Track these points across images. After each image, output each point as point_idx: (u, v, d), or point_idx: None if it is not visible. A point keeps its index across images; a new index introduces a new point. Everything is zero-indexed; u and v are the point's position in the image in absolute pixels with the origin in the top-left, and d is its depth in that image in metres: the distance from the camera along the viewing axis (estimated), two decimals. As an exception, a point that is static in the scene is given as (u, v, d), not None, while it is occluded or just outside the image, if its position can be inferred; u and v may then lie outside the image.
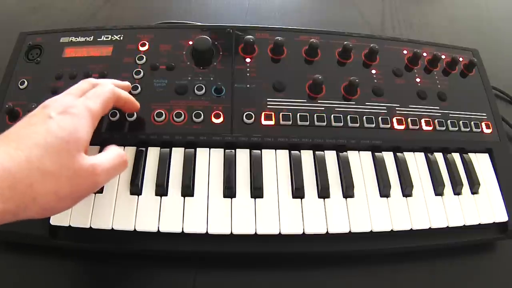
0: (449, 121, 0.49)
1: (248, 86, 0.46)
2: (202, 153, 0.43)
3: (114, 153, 0.35)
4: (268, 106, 0.45)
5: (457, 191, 0.46)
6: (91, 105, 0.34)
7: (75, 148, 0.31)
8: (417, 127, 0.47)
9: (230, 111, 0.44)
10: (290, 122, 0.45)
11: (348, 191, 0.42)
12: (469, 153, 0.49)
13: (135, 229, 0.38)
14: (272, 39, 0.49)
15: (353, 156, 0.45)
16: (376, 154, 0.46)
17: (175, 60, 0.47)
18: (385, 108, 0.48)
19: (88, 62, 0.47)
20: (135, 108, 0.41)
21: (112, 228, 0.38)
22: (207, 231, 0.39)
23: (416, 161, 0.47)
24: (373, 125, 0.46)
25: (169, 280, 0.41)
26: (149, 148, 0.43)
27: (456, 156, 0.48)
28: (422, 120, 0.48)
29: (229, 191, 0.41)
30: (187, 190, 0.40)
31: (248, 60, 0.49)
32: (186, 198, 0.40)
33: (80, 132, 0.32)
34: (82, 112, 0.33)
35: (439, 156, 0.48)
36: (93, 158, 0.33)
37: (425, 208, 0.43)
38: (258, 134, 0.44)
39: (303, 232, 0.40)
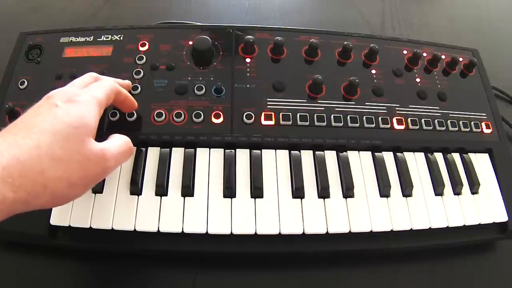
0: (449, 121, 0.49)
1: (248, 86, 0.46)
2: (202, 153, 0.43)
3: (121, 140, 0.35)
4: (268, 106, 0.45)
5: (457, 191, 0.46)
6: (96, 93, 0.34)
7: (84, 134, 0.31)
8: (417, 127, 0.47)
9: (230, 111, 0.44)
10: (290, 122, 0.45)
11: (348, 191, 0.42)
12: (469, 153, 0.49)
13: (135, 229, 0.38)
14: (272, 39, 0.49)
15: (353, 156, 0.45)
16: (376, 154, 0.46)
17: (175, 60, 0.47)
18: (385, 108, 0.48)
19: (88, 62, 0.47)
20: (133, 106, 0.42)
21: (112, 228, 0.38)
22: (207, 231, 0.39)
23: (416, 161, 0.47)
24: (373, 125, 0.46)
25: (169, 280, 0.41)
26: (149, 148, 0.43)
27: (456, 156, 0.48)
28: (422, 120, 0.48)
29: (229, 191, 0.41)
30: (187, 190, 0.40)
31: (248, 60, 0.49)
32: (186, 198, 0.40)
33: (87, 118, 0.32)
34: (87, 99, 0.33)
35: (439, 156, 0.48)
36: (102, 144, 0.33)
37: (425, 208, 0.43)
38: (258, 134, 0.44)
39: (303, 232, 0.40)
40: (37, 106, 0.32)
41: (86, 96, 0.33)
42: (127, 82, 0.43)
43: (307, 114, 0.45)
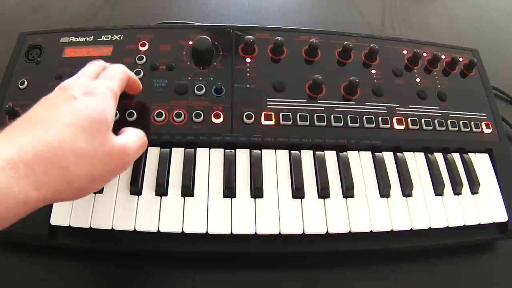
0: (449, 121, 0.49)
1: (248, 86, 0.46)
2: (202, 153, 0.43)
3: (138, 134, 0.36)
4: (268, 106, 0.45)
5: (457, 191, 0.46)
6: (111, 85, 0.34)
7: (105, 128, 0.31)
8: (417, 127, 0.47)
9: (230, 111, 0.44)
10: (290, 122, 0.45)
11: (348, 191, 0.42)
12: (469, 153, 0.49)
13: (135, 229, 0.38)
14: (272, 39, 0.49)
15: (353, 156, 0.45)
16: (376, 154, 0.46)
17: (175, 60, 0.47)
18: (385, 108, 0.48)
19: (88, 62, 0.47)
20: (140, 89, 0.42)
21: (112, 228, 0.38)
22: (207, 231, 0.39)
23: (416, 161, 0.47)
24: (373, 125, 0.46)
25: (169, 280, 0.41)
26: (149, 148, 0.43)
27: (456, 156, 0.48)
28: (422, 120, 0.48)
29: (229, 191, 0.41)
30: (187, 190, 0.40)
31: (248, 60, 0.49)
32: (186, 198, 0.40)
33: (107, 111, 0.31)
34: (104, 92, 0.33)
35: (439, 156, 0.48)
36: (122, 138, 0.33)
37: (425, 208, 0.43)
38: (258, 134, 0.44)
39: (303, 232, 0.40)
40: (52, 98, 0.31)
41: (102, 88, 0.33)
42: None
43: (307, 114, 0.45)
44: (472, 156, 0.49)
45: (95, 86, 0.33)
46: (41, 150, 0.26)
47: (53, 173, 0.26)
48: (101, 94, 0.32)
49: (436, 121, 0.48)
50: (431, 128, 0.48)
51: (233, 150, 0.43)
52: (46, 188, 0.26)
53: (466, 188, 0.46)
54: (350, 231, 0.41)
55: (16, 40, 0.49)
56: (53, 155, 0.26)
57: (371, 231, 0.41)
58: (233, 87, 0.46)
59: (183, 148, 0.43)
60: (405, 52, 0.54)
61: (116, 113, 0.43)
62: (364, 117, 0.46)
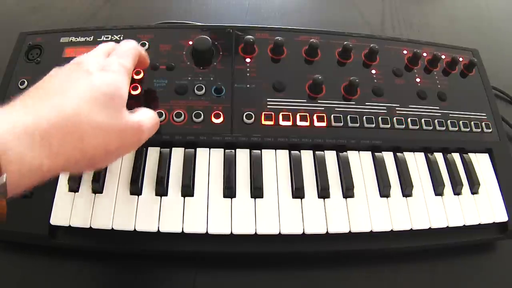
0: (449, 121, 0.49)
1: (248, 86, 0.46)
2: (202, 153, 0.43)
3: (150, 113, 0.36)
4: (268, 106, 0.45)
5: (457, 191, 0.46)
6: (125, 62, 0.35)
7: (120, 104, 0.31)
8: (417, 127, 0.47)
9: (230, 111, 0.44)
10: (290, 122, 0.45)
11: (348, 191, 0.42)
12: (469, 153, 0.49)
13: (135, 229, 0.38)
14: (272, 39, 0.49)
15: (353, 156, 0.45)
16: (376, 154, 0.46)
17: (175, 60, 0.47)
18: (385, 108, 0.48)
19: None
20: (147, 63, 0.42)
21: (112, 228, 0.38)
22: (207, 231, 0.39)
23: (416, 161, 0.47)
24: (373, 125, 0.46)
25: (169, 280, 0.41)
26: (149, 148, 0.43)
27: (456, 156, 0.48)
28: (422, 120, 0.48)
29: (229, 191, 0.41)
30: (187, 190, 0.40)
31: (248, 60, 0.49)
32: (186, 198, 0.40)
33: (122, 88, 0.32)
34: (119, 69, 0.33)
35: (439, 156, 0.48)
36: (137, 116, 0.34)
37: (425, 208, 0.43)
38: (258, 134, 0.44)
39: (303, 232, 0.40)
40: (68, 71, 0.32)
41: (116, 65, 0.33)
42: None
43: (307, 114, 0.45)
44: (472, 156, 0.49)
45: (109, 63, 0.33)
46: (57, 120, 0.26)
47: (68, 143, 0.27)
48: (116, 71, 0.33)
49: (436, 121, 0.48)
50: (431, 128, 0.48)
51: (233, 150, 0.43)
52: (60, 157, 0.26)
53: (466, 188, 0.46)
54: (350, 231, 0.41)
55: (16, 40, 0.49)
56: (68, 126, 0.27)
57: (371, 231, 0.41)
58: (233, 87, 0.46)
59: (183, 148, 0.43)
60: (405, 52, 0.54)
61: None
62: (364, 117, 0.46)
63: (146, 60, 0.41)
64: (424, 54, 0.54)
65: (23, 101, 0.27)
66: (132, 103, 0.43)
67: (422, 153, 0.47)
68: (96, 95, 0.29)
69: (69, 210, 0.39)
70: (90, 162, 0.29)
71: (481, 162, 0.49)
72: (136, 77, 0.46)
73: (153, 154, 0.42)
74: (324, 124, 0.45)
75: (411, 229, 0.42)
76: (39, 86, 0.30)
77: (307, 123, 0.45)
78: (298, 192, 0.41)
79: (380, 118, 0.47)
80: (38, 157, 0.25)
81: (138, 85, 0.45)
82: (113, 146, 0.30)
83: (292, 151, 0.44)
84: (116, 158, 0.33)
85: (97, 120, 0.29)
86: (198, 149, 0.43)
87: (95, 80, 0.30)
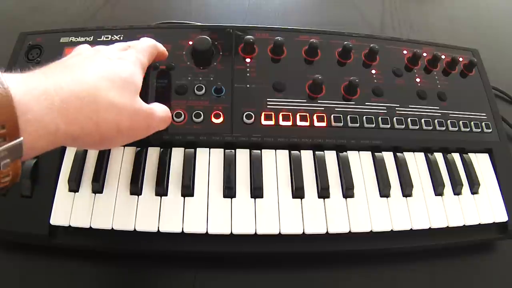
0: (449, 121, 0.49)
1: (248, 86, 0.46)
2: (202, 153, 0.43)
3: (164, 107, 0.39)
4: (268, 106, 0.45)
5: (457, 191, 0.46)
6: (140, 57, 0.37)
7: (134, 90, 0.34)
8: (417, 127, 0.47)
9: (230, 111, 0.44)
10: (290, 122, 0.45)
11: (348, 191, 0.42)
12: (469, 153, 0.49)
13: (135, 229, 0.38)
14: (272, 39, 0.49)
15: (353, 156, 0.45)
16: (376, 154, 0.46)
17: (175, 60, 0.47)
18: (385, 108, 0.48)
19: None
20: (166, 56, 0.44)
21: (112, 228, 0.38)
22: (207, 231, 0.39)
23: (416, 161, 0.47)
24: (373, 125, 0.46)
25: (169, 280, 0.41)
26: (149, 148, 0.43)
27: (456, 156, 0.48)
28: (422, 120, 0.48)
29: (229, 191, 0.41)
30: (187, 190, 0.40)
31: (248, 60, 0.49)
32: (186, 198, 0.40)
33: (137, 77, 0.34)
34: (135, 61, 0.36)
35: (439, 156, 0.48)
36: (150, 105, 0.36)
37: (425, 208, 0.43)
38: (258, 134, 0.44)
39: (303, 232, 0.40)
40: (89, 53, 0.33)
41: (134, 58, 0.36)
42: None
43: (307, 114, 0.45)
44: (472, 156, 0.49)
45: (127, 54, 0.36)
46: (76, 89, 0.28)
47: (84, 113, 0.28)
48: (132, 61, 0.35)
49: (436, 121, 0.48)
50: (431, 128, 0.48)
51: (233, 150, 0.43)
52: (75, 125, 0.28)
53: (466, 188, 0.46)
54: (350, 231, 0.41)
55: (16, 40, 0.49)
56: (86, 97, 0.28)
57: (371, 231, 0.41)
58: (233, 87, 0.46)
59: (183, 148, 0.43)
60: (405, 52, 0.54)
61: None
62: (364, 117, 0.46)
63: (165, 54, 0.44)
64: (424, 54, 0.54)
65: (43, 71, 0.29)
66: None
67: (422, 153, 0.47)
68: (114, 77, 0.31)
69: (69, 210, 0.39)
70: (101, 137, 0.30)
71: (481, 162, 0.49)
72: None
73: (153, 154, 0.42)
74: (324, 124, 0.45)
75: (411, 229, 0.42)
76: (60, 61, 0.31)
77: (307, 123, 0.45)
78: (298, 192, 0.41)
79: (380, 118, 0.47)
80: (55, 121, 0.26)
81: None
82: (125, 126, 0.32)
83: (292, 151, 0.44)
84: (126, 140, 0.34)
85: (113, 98, 0.30)
86: (198, 149, 0.43)
87: (114, 65, 0.33)
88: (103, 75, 0.31)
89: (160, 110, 0.38)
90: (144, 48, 0.39)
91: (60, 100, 0.26)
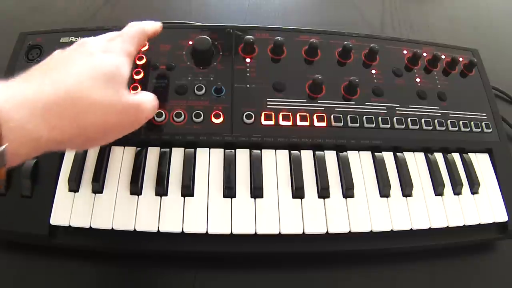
0: (449, 121, 0.49)
1: (248, 86, 0.46)
2: (202, 153, 0.43)
3: (150, 95, 0.37)
4: (268, 106, 0.45)
5: (457, 191, 0.46)
6: (127, 46, 0.36)
7: (120, 84, 0.32)
8: (417, 127, 0.47)
9: (230, 111, 0.44)
10: (290, 122, 0.45)
11: (348, 191, 0.42)
12: (469, 153, 0.49)
13: (135, 229, 0.38)
14: (272, 39, 0.49)
15: (353, 156, 0.45)
16: (376, 154, 0.46)
17: (175, 60, 0.47)
18: (385, 108, 0.48)
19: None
20: (159, 30, 0.43)
21: (112, 228, 0.38)
22: (207, 231, 0.39)
23: (416, 161, 0.47)
24: (373, 125, 0.46)
25: (169, 280, 0.41)
26: (149, 148, 0.43)
27: (456, 156, 0.48)
28: (422, 120, 0.48)
29: (229, 191, 0.41)
30: (187, 190, 0.40)
31: (248, 60, 0.49)
32: (186, 198, 0.40)
33: (122, 69, 0.33)
34: (121, 52, 0.34)
35: (439, 156, 0.48)
36: (137, 96, 0.34)
37: (425, 208, 0.43)
38: (258, 134, 0.44)
39: (303, 232, 0.40)
40: (70, 51, 0.32)
41: (119, 49, 0.34)
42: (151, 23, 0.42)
43: (307, 114, 0.45)
44: (472, 156, 0.49)
45: (112, 46, 0.34)
46: (58, 94, 0.27)
47: (67, 117, 0.28)
48: (118, 53, 0.34)
49: (436, 121, 0.48)
50: (431, 128, 0.48)
51: (233, 150, 0.43)
52: (58, 130, 0.27)
53: (466, 188, 0.46)
54: (350, 231, 0.41)
55: (16, 40, 0.49)
56: (69, 100, 0.28)
57: (371, 231, 0.41)
58: (233, 87, 0.46)
59: (183, 148, 0.43)
60: (405, 52, 0.54)
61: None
62: (364, 117, 0.46)
63: (156, 29, 0.42)
64: (424, 54, 0.54)
65: (24, 77, 0.28)
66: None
67: (422, 153, 0.47)
68: (96, 74, 0.30)
69: (69, 210, 0.39)
70: (88, 139, 0.30)
71: (481, 162, 0.49)
72: (136, 77, 0.46)
73: (153, 154, 0.42)
74: (324, 124, 0.45)
75: (411, 229, 0.42)
76: (41, 64, 0.31)
77: (307, 123, 0.45)
78: (298, 192, 0.41)
79: (380, 118, 0.47)
80: (37, 128, 0.26)
81: (138, 85, 0.45)
82: (111, 124, 0.31)
83: (292, 151, 0.44)
84: (115, 137, 0.33)
85: (96, 97, 0.29)
86: (198, 149, 0.43)
87: (97, 60, 0.31)
88: (85, 74, 0.30)
89: (147, 100, 0.36)
90: (131, 35, 0.37)
91: (42, 106, 0.26)
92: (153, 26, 0.41)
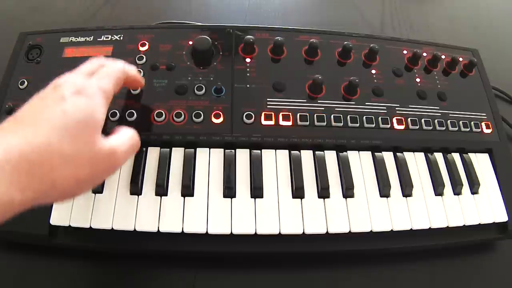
0: (449, 121, 0.49)
1: (248, 86, 0.46)
2: (202, 153, 0.43)
3: (128, 134, 0.35)
4: (268, 106, 0.45)
5: (457, 191, 0.46)
6: (104, 85, 0.33)
7: (93, 130, 0.30)
8: (417, 127, 0.47)
9: (230, 111, 0.44)
10: (290, 122, 0.45)
11: (348, 191, 0.42)
12: (469, 153, 0.49)
13: (135, 229, 0.38)
14: (272, 39, 0.49)
15: (353, 156, 0.45)
16: (376, 154, 0.46)
17: (175, 60, 0.47)
18: (385, 108, 0.48)
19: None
20: (140, 84, 0.41)
21: (112, 228, 0.38)
22: (207, 231, 0.39)
23: (416, 161, 0.47)
24: (373, 125, 0.46)
25: (169, 280, 0.41)
26: (149, 148, 0.43)
27: (456, 156, 0.48)
28: (422, 120, 0.48)
29: (229, 191, 0.41)
30: (187, 190, 0.40)
31: (248, 60, 0.49)
32: (186, 198, 0.40)
33: (96, 113, 0.31)
34: (96, 92, 0.32)
35: (439, 156, 0.48)
36: (111, 140, 0.32)
37: (425, 208, 0.43)
38: (258, 134, 0.44)
39: (303, 232, 0.40)
40: (44, 97, 0.31)
41: (94, 88, 0.32)
42: (133, 67, 0.40)
43: (307, 114, 0.45)
44: (472, 156, 0.49)
45: (88, 86, 0.32)
46: (27, 152, 0.26)
47: (38, 175, 0.26)
48: (92, 94, 0.31)
49: (436, 121, 0.48)
50: (431, 128, 0.48)
51: (233, 150, 0.43)
52: (30, 190, 0.26)
53: (466, 188, 0.46)
54: (350, 231, 0.41)
55: (16, 40, 0.49)
56: (38, 158, 0.26)
57: (371, 231, 0.41)
58: (233, 87, 0.46)
59: (183, 148, 0.43)
60: (405, 52, 0.54)
61: (116, 113, 0.43)
62: (364, 117, 0.46)
63: (138, 80, 0.40)
64: (424, 54, 0.54)
65: None
66: (132, 103, 0.44)
67: (422, 153, 0.47)
68: (67, 123, 0.28)
69: (69, 210, 0.39)
70: (61, 194, 0.29)
71: (481, 162, 0.49)
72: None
73: (153, 154, 0.42)
74: (324, 124, 0.45)
75: (411, 229, 0.42)
76: (13, 117, 0.29)
77: (307, 123, 0.45)
78: (298, 192, 0.41)
79: (380, 118, 0.47)
80: (8, 190, 0.24)
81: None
82: (84, 176, 0.29)
83: (292, 151, 0.44)
84: (90, 186, 0.32)
85: (67, 151, 0.28)
86: (198, 149, 0.43)
87: (68, 107, 0.29)
88: (55, 125, 0.28)
89: (123, 141, 0.33)
90: (109, 74, 0.35)
91: (11, 167, 0.24)
92: (136, 73, 0.40)
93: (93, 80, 0.33)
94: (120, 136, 0.34)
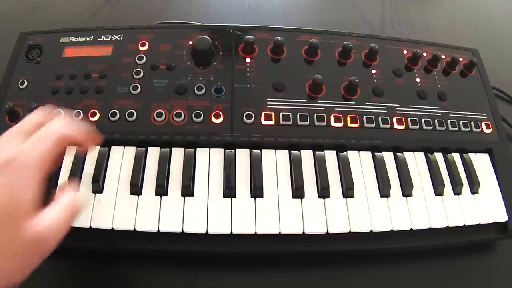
0: (449, 121, 0.49)
1: (248, 86, 0.46)
2: (202, 153, 0.43)
3: (61, 207, 0.30)
4: (268, 106, 0.45)
5: (457, 191, 0.46)
6: (39, 150, 0.29)
7: (15, 218, 0.26)
8: (417, 127, 0.47)
9: (230, 111, 0.44)
10: (290, 122, 0.45)
11: (348, 191, 0.42)
12: (469, 153, 0.49)
13: (135, 229, 0.38)
14: (272, 39, 0.49)
15: (353, 156, 0.45)
16: (376, 154, 0.46)
17: (175, 60, 0.47)
18: (385, 108, 0.48)
19: (88, 62, 0.47)
20: (92, 144, 0.36)
21: (112, 228, 0.38)
22: (207, 231, 0.39)
23: (416, 161, 0.47)
24: (373, 125, 0.46)
25: (169, 280, 0.41)
26: (149, 148, 0.43)
27: (456, 156, 0.48)
28: (422, 120, 0.48)
29: (229, 191, 0.41)
30: (187, 190, 0.40)
31: (248, 60, 0.49)
32: (186, 198, 0.40)
33: (21, 194, 0.27)
34: (24, 165, 0.28)
35: (439, 156, 0.48)
36: (39, 224, 0.28)
37: (425, 208, 0.43)
38: (258, 134, 0.44)
39: (303, 232, 0.40)
40: None
41: (25, 157, 0.28)
42: (83, 125, 0.35)
43: (307, 114, 0.45)
44: (472, 156, 0.49)
45: (17, 156, 0.28)
46: None
47: None
48: (19, 168, 0.27)
49: (436, 121, 0.48)
50: (431, 128, 0.48)
51: (233, 150, 0.43)
52: None
53: (466, 188, 0.46)
54: (350, 231, 0.41)
55: (16, 40, 0.49)
56: None
57: (371, 231, 0.41)
58: (233, 87, 0.46)
59: (183, 148, 0.43)
60: (405, 52, 0.54)
61: (116, 113, 0.43)
62: (364, 117, 0.46)
63: (87, 140, 0.35)
64: (424, 54, 0.54)
65: None
66: (132, 103, 0.44)
67: (422, 153, 0.47)
68: None
69: (69, 210, 0.39)
70: None
71: (481, 162, 0.49)
72: (136, 77, 0.46)
73: (153, 154, 0.42)
74: (324, 124, 0.45)
75: (411, 229, 0.42)
76: None
77: (307, 123, 0.45)
78: (298, 192, 0.41)
79: (380, 118, 0.47)
80: None
81: (138, 85, 0.45)
82: (11, 269, 0.26)
83: (292, 151, 0.44)
84: (25, 275, 0.28)
85: None
86: (198, 149, 0.43)
87: None
88: None
89: (53, 219, 0.29)
90: (50, 135, 0.30)
91: None
92: (85, 132, 0.34)
93: (27, 145, 0.29)
94: (52, 212, 0.29)
